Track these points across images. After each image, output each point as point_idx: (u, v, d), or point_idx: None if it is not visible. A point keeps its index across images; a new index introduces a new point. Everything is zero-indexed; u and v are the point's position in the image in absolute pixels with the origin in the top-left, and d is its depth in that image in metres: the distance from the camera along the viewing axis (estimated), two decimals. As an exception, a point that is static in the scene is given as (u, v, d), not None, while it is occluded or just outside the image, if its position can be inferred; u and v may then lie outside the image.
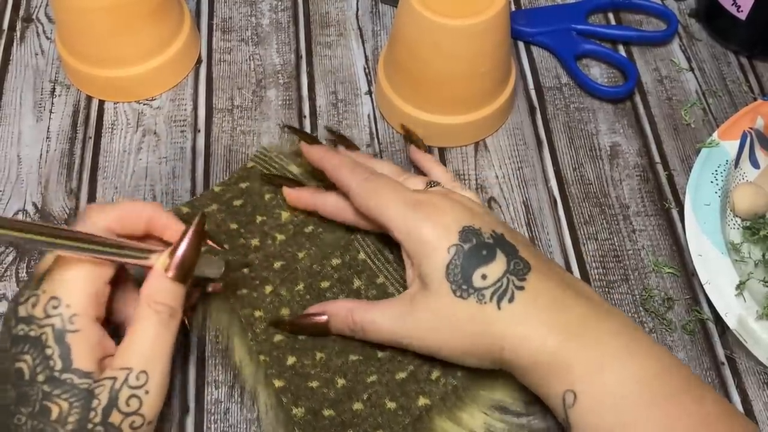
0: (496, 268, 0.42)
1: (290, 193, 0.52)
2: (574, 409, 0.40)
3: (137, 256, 0.41)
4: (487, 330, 0.42)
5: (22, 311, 0.39)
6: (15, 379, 0.38)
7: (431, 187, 0.48)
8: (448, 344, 0.43)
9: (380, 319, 0.45)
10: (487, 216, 0.45)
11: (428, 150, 0.55)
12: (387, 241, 0.51)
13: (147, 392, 0.38)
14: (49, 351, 0.38)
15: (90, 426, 0.37)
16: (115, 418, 0.38)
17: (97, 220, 0.41)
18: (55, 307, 0.38)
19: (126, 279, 0.44)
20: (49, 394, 0.37)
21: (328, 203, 0.50)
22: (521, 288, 0.42)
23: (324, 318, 0.47)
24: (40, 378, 0.37)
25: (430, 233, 0.43)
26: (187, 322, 0.45)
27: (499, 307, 0.42)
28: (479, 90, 0.56)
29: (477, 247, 0.43)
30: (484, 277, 0.42)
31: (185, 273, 0.41)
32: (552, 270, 0.44)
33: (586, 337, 0.41)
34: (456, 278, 0.42)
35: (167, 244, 0.43)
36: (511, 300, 0.42)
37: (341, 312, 0.46)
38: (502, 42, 0.54)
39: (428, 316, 0.43)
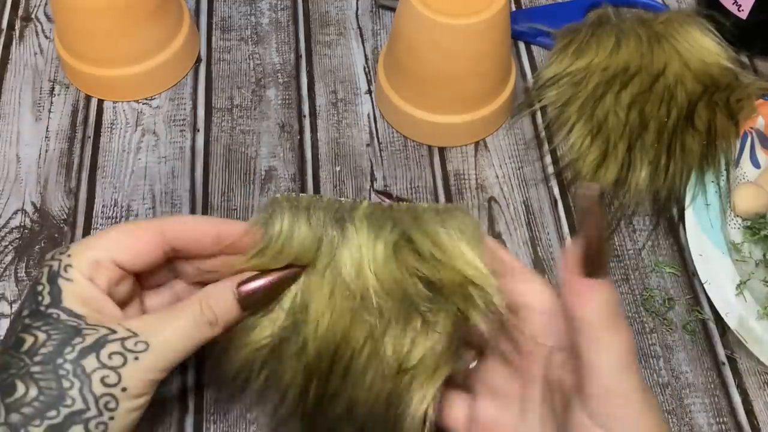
0: None
1: None
2: None
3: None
4: None
5: None
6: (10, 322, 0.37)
7: None
8: None
9: None
10: None
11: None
12: None
13: (136, 359, 0.36)
14: (39, 287, 0.37)
15: (60, 361, 0.35)
16: (90, 363, 0.35)
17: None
18: (60, 254, 0.38)
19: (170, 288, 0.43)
20: (28, 327, 0.36)
21: None
22: None
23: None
24: (25, 313, 0.37)
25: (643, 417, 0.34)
26: None
27: None
28: (479, 89, 0.56)
29: None
30: None
31: (250, 304, 0.40)
32: None
33: None
34: None
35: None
36: None
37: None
38: (502, 41, 0.54)
39: None
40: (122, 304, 0.40)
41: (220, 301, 0.39)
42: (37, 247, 0.54)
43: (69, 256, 0.38)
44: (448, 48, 0.52)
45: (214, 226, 0.41)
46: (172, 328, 0.38)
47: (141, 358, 0.36)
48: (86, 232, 0.54)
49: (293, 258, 0.40)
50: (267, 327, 0.41)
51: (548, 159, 0.58)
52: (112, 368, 0.36)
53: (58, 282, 0.37)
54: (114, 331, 0.36)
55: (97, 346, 0.36)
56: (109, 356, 0.36)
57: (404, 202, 0.41)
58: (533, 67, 0.63)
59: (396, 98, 0.57)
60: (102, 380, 0.36)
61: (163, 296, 0.44)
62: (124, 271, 0.39)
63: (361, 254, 0.40)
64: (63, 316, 0.36)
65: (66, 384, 0.35)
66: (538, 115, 0.61)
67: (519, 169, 0.58)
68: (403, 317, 0.40)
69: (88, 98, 0.61)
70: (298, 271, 0.40)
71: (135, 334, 0.37)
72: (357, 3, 0.67)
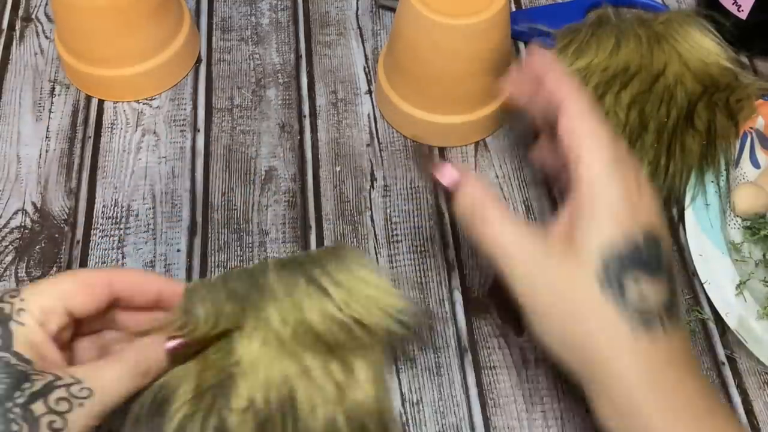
0: (656, 292, 0.37)
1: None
2: None
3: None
4: (604, 337, 0.37)
5: None
6: None
7: None
8: (552, 312, 0.38)
9: (508, 238, 0.39)
10: (669, 234, 0.40)
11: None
12: None
13: (81, 405, 0.37)
14: None
15: (9, 405, 0.36)
16: (39, 408, 0.36)
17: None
18: (12, 297, 0.39)
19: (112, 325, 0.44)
20: None
21: None
22: (665, 330, 0.37)
23: (453, 187, 0.42)
24: None
25: (618, 207, 0.38)
26: None
27: (632, 331, 0.36)
28: (479, 89, 0.56)
29: (651, 259, 0.37)
30: (639, 290, 0.37)
31: (178, 357, 0.43)
32: (689, 338, 0.40)
33: (702, 428, 0.37)
34: (610, 268, 0.37)
35: None
36: (648, 332, 0.36)
37: (473, 196, 0.41)
38: (502, 41, 0.54)
39: (554, 273, 0.38)
40: (62, 348, 0.41)
41: (152, 354, 0.41)
42: (37, 247, 0.54)
43: (22, 300, 0.39)
44: (448, 48, 0.52)
45: (158, 284, 0.43)
46: (111, 376, 0.39)
47: (85, 404, 0.37)
48: (86, 232, 0.54)
49: (220, 330, 0.43)
50: (185, 382, 0.43)
51: (548, 159, 0.58)
52: (59, 413, 0.36)
53: (9, 325, 0.38)
54: (60, 378, 0.37)
55: (45, 390, 0.37)
56: (56, 401, 0.37)
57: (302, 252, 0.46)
58: (533, 68, 0.63)
59: (396, 98, 0.57)
60: (49, 425, 0.36)
61: (90, 342, 0.44)
62: (71, 318, 0.40)
63: (284, 308, 0.43)
64: (13, 361, 0.37)
65: (14, 428, 0.35)
66: (538, 115, 0.61)
67: (519, 170, 0.58)
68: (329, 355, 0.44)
69: (88, 98, 0.61)
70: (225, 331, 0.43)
71: (79, 381, 0.38)
72: (357, 3, 0.67)
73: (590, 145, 0.39)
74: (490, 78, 0.56)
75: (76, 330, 0.43)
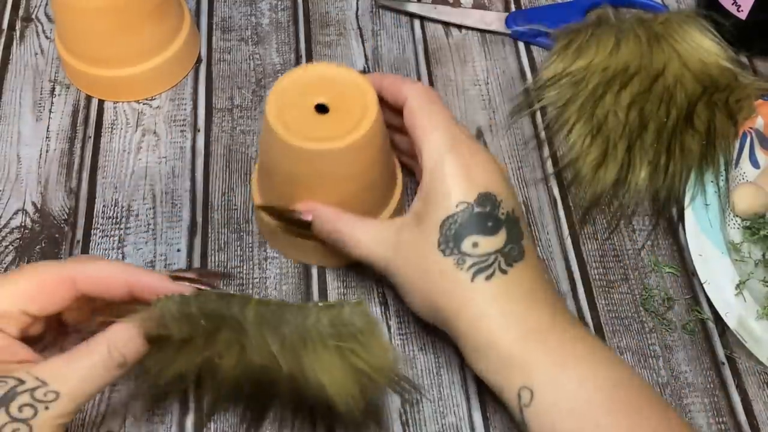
0: (492, 243, 0.42)
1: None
2: (530, 408, 0.39)
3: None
4: (453, 291, 0.42)
5: None
6: None
7: None
8: (412, 283, 0.44)
9: (363, 237, 0.45)
10: (511, 189, 0.45)
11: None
12: None
13: (47, 408, 0.36)
14: None
15: None
16: (0, 418, 0.35)
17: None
18: None
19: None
20: None
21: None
22: (504, 272, 0.42)
23: (309, 218, 0.47)
24: None
25: (453, 182, 0.43)
26: None
27: (472, 280, 0.42)
28: (365, 209, 0.50)
29: (486, 216, 0.43)
30: (475, 245, 0.42)
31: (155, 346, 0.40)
32: (539, 270, 0.44)
33: (550, 338, 0.41)
34: (448, 234, 0.42)
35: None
36: (488, 278, 0.42)
37: (324, 217, 0.47)
38: (376, 159, 0.48)
39: (407, 251, 0.44)
40: (39, 338, 0.40)
41: (128, 343, 0.39)
42: (37, 247, 0.54)
43: None
44: (321, 173, 0.47)
45: (127, 276, 0.40)
46: (81, 374, 0.37)
47: (51, 407, 0.36)
48: (87, 232, 0.54)
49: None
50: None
51: (548, 159, 0.58)
52: (23, 421, 0.35)
53: None
54: (22, 381, 0.36)
55: (6, 399, 0.35)
56: (20, 409, 0.35)
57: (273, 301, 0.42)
58: (533, 67, 0.64)
59: (289, 234, 0.51)
60: None
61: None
62: (35, 317, 0.39)
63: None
64: None
65: None
66: (538, 115, 0.61)
67: (519, 169, 0.58)
68: None
69: (88, 98, 0.61)
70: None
71: (44, 383, 0.36)
72: (357, 3, 0.67)
73: (427, 136, 0.44)
74: (372, 195, 0.50)
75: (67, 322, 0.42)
